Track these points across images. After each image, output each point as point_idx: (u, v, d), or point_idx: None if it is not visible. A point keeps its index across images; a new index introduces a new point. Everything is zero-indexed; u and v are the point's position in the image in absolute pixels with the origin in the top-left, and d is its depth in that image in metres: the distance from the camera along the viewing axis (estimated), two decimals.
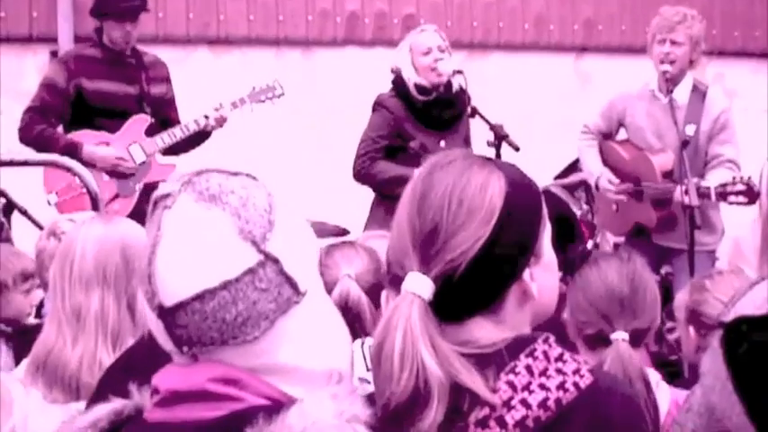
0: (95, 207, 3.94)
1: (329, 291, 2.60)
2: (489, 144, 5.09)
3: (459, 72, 5.20)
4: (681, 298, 3.03)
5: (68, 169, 4.31)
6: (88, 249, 2.59)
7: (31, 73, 6.97)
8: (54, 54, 6.88)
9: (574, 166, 6.68)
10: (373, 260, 2.64)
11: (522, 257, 1.64)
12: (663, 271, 5.89)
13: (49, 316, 2.62)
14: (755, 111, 7.77)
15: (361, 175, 5.33)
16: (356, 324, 2.49)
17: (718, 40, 7.89)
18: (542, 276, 1.68)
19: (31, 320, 3.40)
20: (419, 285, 1.60)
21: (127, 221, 2.79)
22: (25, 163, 4.34)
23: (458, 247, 1.60)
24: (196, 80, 6.82)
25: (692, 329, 2.94)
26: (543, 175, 7.35)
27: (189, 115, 5.77)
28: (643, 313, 2.59)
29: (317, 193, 6.93)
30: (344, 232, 6.02)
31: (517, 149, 5.00)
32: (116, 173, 5.38)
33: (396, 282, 1.64)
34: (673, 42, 5.27)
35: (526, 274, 1.65)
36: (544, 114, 7.61)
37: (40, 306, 3.47)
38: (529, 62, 7.67)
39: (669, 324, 3.11)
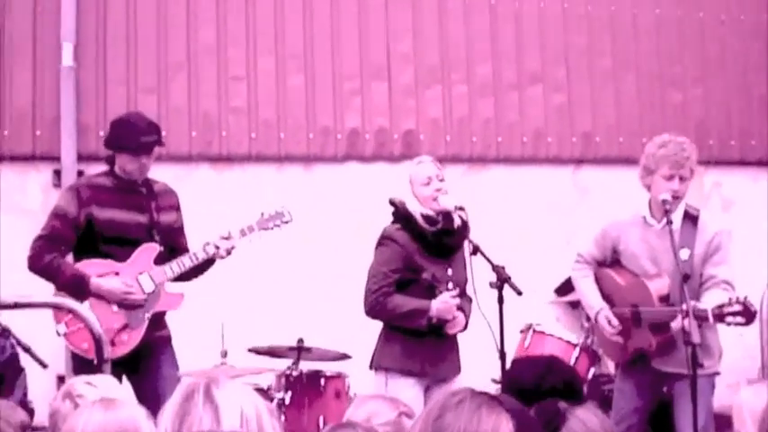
0: (99, 349, 3.94)
1: None
2: (492, 285, 5.06)
3: (461, 209, 5.23)
4: None
5: (72, 312, 4.30)
6: None
7: (35, 191, 7.04)
8: (57, 173, 6.95)
9: None
10: None
11: None
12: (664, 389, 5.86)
13: None
14: (754, 219, 7.82)
15: (376, 311, 5.28)
16: None
17: (715, 150, 7.99)
18: None
19: None
20: None
21: (128, 406, 2.80)
22: (29, 305, 4.33)
23: None
24: (199, 197, 6.88)
25: None
26: (543, 287, 7.38)
27: (192, 231, 5.80)
28: None
29: (316, 310, 6.95)
30: (345, 357, 6.01)
31: (520, 294, 4.97)
32: (125, 305, 5.38)
33: None
34: (681, 178, 5.33)
35: None
36: (543, 226, 7.67)
37: None
38: (528, 175, 7.75)
39: None
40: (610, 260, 5.59)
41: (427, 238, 5.24)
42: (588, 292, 5.61)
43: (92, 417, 2.66)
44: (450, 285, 5.24)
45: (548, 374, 2.23)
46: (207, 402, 2.39)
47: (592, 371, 6.00)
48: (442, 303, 5.16)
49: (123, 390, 3.45)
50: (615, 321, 5.45)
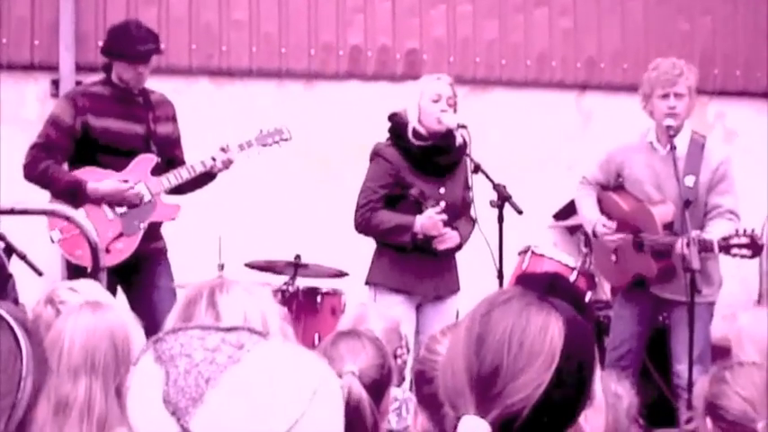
0: (95, 257, 3.89)
1: None
2: (492, 204, 5.06)
3: (464, 127, 5.18)
4: (700, 388, 2.94)
5: (68, 219, 4.24)
6: (76, 340, 2.54)
7: (32, 101, 6.96)
8: (55, 83, 6.87)
9: (573, 205, 6.66)
10: (379, 354, 2.62)
11: (580, 401, 1.66)
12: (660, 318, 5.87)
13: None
14: (756, 151, 7.77)
15: (363, 227, 5.27)
16: (356, 422, 2.45)
17: (719, 80, 7.91)
18: (594, 417, 1.71)
19: None
20: (477, 429, 1.59)
21: (115, 309, 2.74)
22: (25, 212, 4.28)
23: (519, 392, 1.60)
24: (197, 111, 6.81)
25: (709, 422, 2.86)
26: (543, 212, 7.35)
27: (189, 145, 5.75)
28: None
29: (314, 227, 6.92)
30: (341, 274, 6.00)
31: (520, 213, 4.95)
32: (123, 205, 5.33)
33: (425, 401, 1.62)
34: (676, 95, 5.29)
35: (582, 416, 1.67)
36: (545, 151, 7.61)
37: None
38: (531, 99, 7.66)
39: (687, 414, 3.05)
40: (613, 185, 5.56)
41: (414, 153, 5.20)
42: (587, 208, 5.59)
43: (79, 320, 2.59)
44: (442, 204, 5.19)
45: (547, 293, 2.18)
46: (209, 307, 2.37)
47: (588, 295, 6.00)
48: (427, 219, 5.12)
49: (106, 295, 3.41)
50: (609, 222, 5.43)
